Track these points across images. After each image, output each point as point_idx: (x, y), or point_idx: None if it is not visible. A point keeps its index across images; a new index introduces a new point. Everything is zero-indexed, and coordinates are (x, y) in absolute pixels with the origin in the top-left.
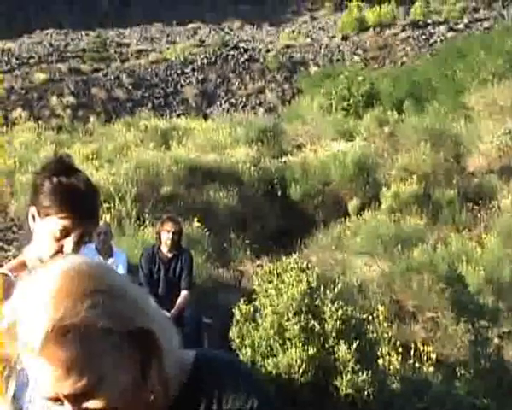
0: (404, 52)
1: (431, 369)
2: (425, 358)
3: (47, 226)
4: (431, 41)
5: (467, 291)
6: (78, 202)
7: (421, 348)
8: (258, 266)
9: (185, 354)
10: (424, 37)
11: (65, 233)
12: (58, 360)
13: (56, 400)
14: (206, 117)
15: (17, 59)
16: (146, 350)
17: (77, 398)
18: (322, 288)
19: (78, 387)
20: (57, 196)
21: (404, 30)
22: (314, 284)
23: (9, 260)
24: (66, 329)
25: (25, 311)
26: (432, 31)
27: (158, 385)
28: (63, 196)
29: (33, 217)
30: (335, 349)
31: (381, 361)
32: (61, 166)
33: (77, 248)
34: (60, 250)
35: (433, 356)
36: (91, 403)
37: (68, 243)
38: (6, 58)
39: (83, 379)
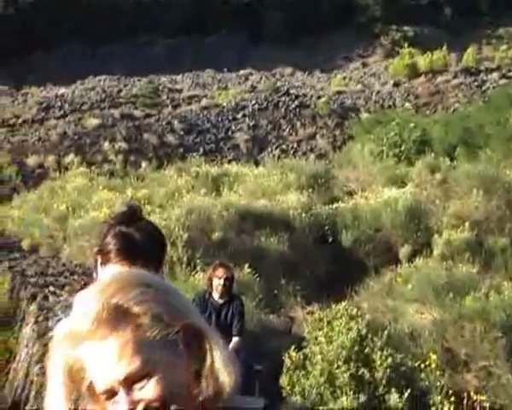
0: (456, 99)
1: None
2: (478, 407)
3: (107, 273)
4: (483, 88)
5: None
6: (134, 249)
7: (474, 397)
8: (308, 312)
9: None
10: (476, 83)
11: None
12: (111, 341)
13: (112, 394)
14: (257, 163)
15: (70, 105)
16: (198, 350)
17: (132, 383)
18: (371, 336)
19: (132, 368)
20: (115, 243)
21: (456, 76)
22: (364, 332)
23: (61, 305)
24: (117, 311)
25: (79, 305)
26: (484, 78)
27: (209, 389)
28: (120, 243)
29: (99, 264)
30: (386, 397)
31: None
32: (125, 216)
33: None
34: None
35: (487, 405)
36: (145, 390)
37: None
38: (59, 104)
39: (136, 360)
